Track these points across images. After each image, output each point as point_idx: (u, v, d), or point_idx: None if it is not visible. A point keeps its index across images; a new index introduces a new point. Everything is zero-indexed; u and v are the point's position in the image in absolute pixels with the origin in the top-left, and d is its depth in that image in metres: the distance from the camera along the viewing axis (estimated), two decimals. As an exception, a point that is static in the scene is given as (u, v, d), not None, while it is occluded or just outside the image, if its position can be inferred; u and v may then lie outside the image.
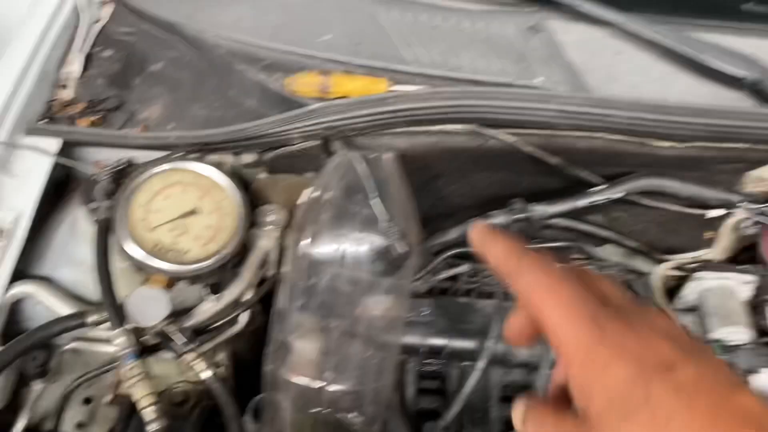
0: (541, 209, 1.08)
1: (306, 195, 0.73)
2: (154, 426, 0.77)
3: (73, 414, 1.03)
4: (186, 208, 0.93)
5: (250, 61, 1.07)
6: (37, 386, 0.91)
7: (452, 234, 1.09)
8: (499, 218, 1.09)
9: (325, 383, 0.72)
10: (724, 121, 0.98)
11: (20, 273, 0.96)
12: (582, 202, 1.07)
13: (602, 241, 1.20)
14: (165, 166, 0.94)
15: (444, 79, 1.08)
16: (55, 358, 0.99)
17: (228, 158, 1.08)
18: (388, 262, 0.70)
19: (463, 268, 1.02)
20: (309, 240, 0.70)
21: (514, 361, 0.98)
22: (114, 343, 0.81)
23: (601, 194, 1.07)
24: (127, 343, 0.81)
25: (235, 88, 1.09)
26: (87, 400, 1.05)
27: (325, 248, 0.71)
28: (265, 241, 1.00)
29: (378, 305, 0.73)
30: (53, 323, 0.83)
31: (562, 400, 0.44)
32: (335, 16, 1.17)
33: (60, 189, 1.10)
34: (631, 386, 0.37)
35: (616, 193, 1.07)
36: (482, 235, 0.49)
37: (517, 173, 1.16)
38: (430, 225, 1.17)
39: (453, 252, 1.05)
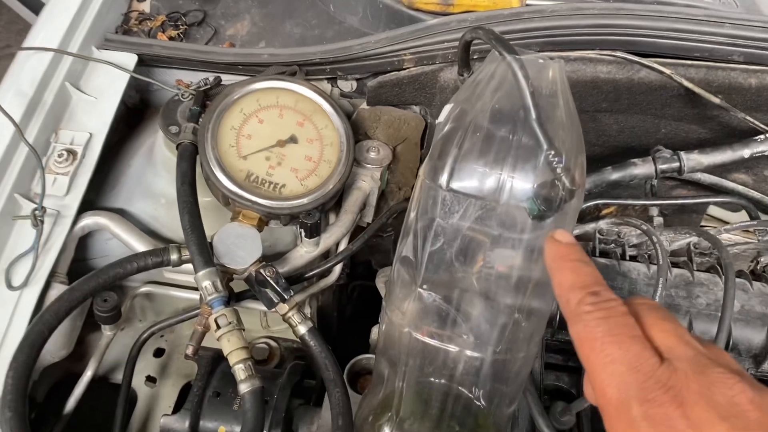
0: (694, 159, 0.90)
1: (444, 112, 0.58)
2: (246, 386, 0.64)
3: (143, 366, 0.92)
4: (283, 135, 0.79)
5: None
6: (107, 332, 0.80)
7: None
8: (642, 168, 0.92)
9: (460, 348, 0.57)
10: None
11: (91, 205, 0.84)
12: (744, 152, 0.89)
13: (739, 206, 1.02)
14: (261, 84, 0.80)
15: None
16: (125, 303, 0.88)
17: (325, 86, 0.94)
18: (546, 203, 0.55)
19: (602, 224, 0.85)
20: (447, 173, 0.55)
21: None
22: (201, 286, 0.68)
23: (768, 144, 0.88)
24: (214, 288, 0.68)
25: (336, 3, 0.93)
26: (158, 352, 0.94)
27: (467, 183, 0.55)
28: (366, 182, 0.86)
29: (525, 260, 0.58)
30: (129, 260, 0.70)
31: None
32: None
33: (136, 114, 0.98)
34: None
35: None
36: (558, 253, 0.47)
37: (657, 117, 0.98)
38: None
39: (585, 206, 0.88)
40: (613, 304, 0.41)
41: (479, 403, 0.62)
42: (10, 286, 0.73)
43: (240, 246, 0.74)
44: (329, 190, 0.77)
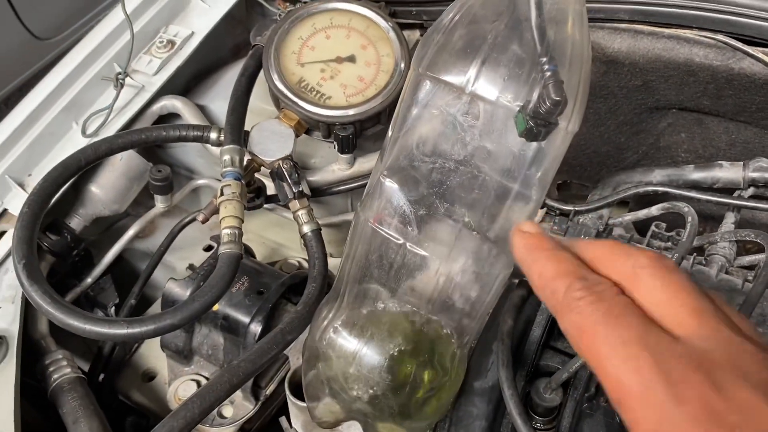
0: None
1: (446, 12, 0.56)
2: (226, 248, 0.67)
3: (189, 254, 0.99)
4: (344, 53, 0.82)
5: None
6: (159, 204, 0.87)
7: (657, 175, 0.84)
8: (729, 171, 0.81)
9: (404, 241, 0.55)
10: None
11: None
12: None
13: None
14: (338, 5, 0.84)
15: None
16: (183, 190, 0.95)
17: (414, 34, 0.96)
18: (533, 116, 0.51)
19: (654, 210, 0.76)
20: (426, 62, 0.54)
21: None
22: (222, 159, 0.73)
23: None
24: (231, 162, 0.72)
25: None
26: (209, 248, 1.01)
27: (449, 76, 0.53)
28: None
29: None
30: (173, 127, 0.78)
31: None
32: None
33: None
34: None
35: None
36: (528, 244, 0.40)
37: (772, 130, 0.86)
38: (626, 173, 0.92)
39: (646, 191, 0.79)
40: (604, 286, 0.35)
41: (421, 313, 0.59)
42: (84, 133, 0.84)
43: (273, 141, 0.78)
44: (369, 109, 0.79)
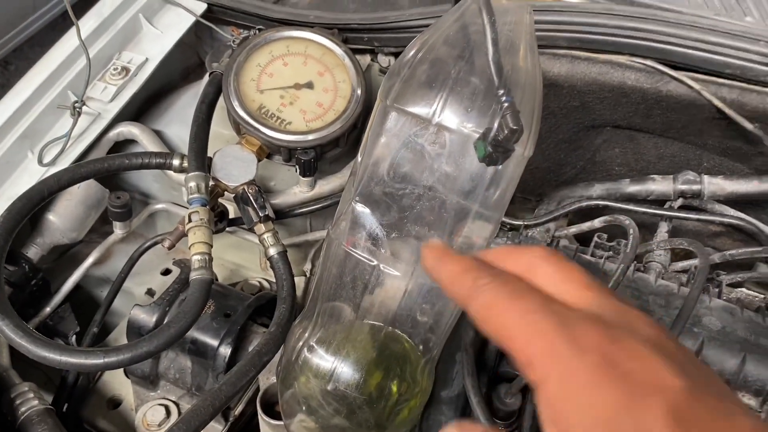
0: (716, 184, 0.86)
1: (409, 48, 0.60)
2: (197, 274, 0.69)
3: (148, 279, 0.99)
4: (302, 80, 0.85)
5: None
6: (117, 230, 0.88)
7: (596, 189, 0.91)
8: (661, 184, 0.89)
9: (378, 263, 0.58)
10: None
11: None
12: (774, 186, 0.84)
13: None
14: (294, 33, 0.87)
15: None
16: (141, 216, 0.96)
17: (365, 59, 1.00)
18: (493, 143, 0.56)
19: (596, 222, 0.83)
20: (394, 95, 0.58)
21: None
22: (187, 186, 0.74)
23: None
24: (197, 189, 0.74)
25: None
26: (166, 271, 1.01)
27: (417, 108, 0.57)
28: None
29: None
30: (136, 155, 0.78)
31: None
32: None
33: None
34: (619, 413, 0.30)
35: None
36: (435, 254, 0.43)
37: (699, 148, 0.95)
38: (568, 188, 0.99)
39: (588, 204, 0.86)
40: (506, 274, 0.39)
41: (391, 329, 0.63)
42: (40, 162, 0.83)
43: (236, 166, 0.80)
44: (329, 134, 0.82)
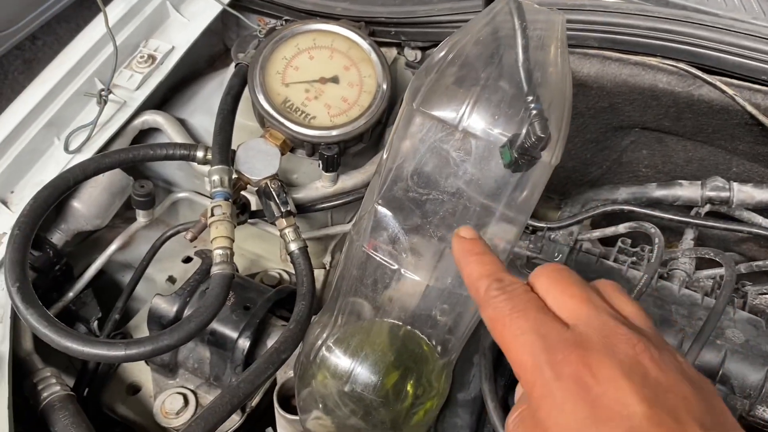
0: (746, 192, 0.84)
1: (438, 50, 0.59)
2: (218, 269, 0.69)
3: (169, 266, 1.00)
4: (327, 74, 0.84)
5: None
6: (140, 219, 0.88)
7: (622, 193, 0.89)
8: (688, 190, 0.88)
9: (398, 267, 0.58)
10: None
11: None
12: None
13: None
14: (321, 26, 0.86)
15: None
16: (164, 204, 0.96)
17: (391, 52, 0.99)
18: (519, 150, 0.55)
19: (621, 228, 0.82)
20: (420, 99, 0.57)
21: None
22: (210, 179, 0.74)
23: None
24: (221, 183, 0.74)
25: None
26: (188, 259, 1.02)
27: (443, 113, 0.57)
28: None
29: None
30: (160, 145, 0.78)
31: None
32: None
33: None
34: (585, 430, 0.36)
35: None
36: (464, 248, 0.49)
37: (729, 153, 0.93)
38: (593, 190, 0.98)
39: (613, 209, 0.85)
40: (515, 286, 0.44)
41: (408, 327, 0.63)
42: (66, 149, 0.84)
43: (259, 160, 0.80)
44: (353, 130, 0.81)
